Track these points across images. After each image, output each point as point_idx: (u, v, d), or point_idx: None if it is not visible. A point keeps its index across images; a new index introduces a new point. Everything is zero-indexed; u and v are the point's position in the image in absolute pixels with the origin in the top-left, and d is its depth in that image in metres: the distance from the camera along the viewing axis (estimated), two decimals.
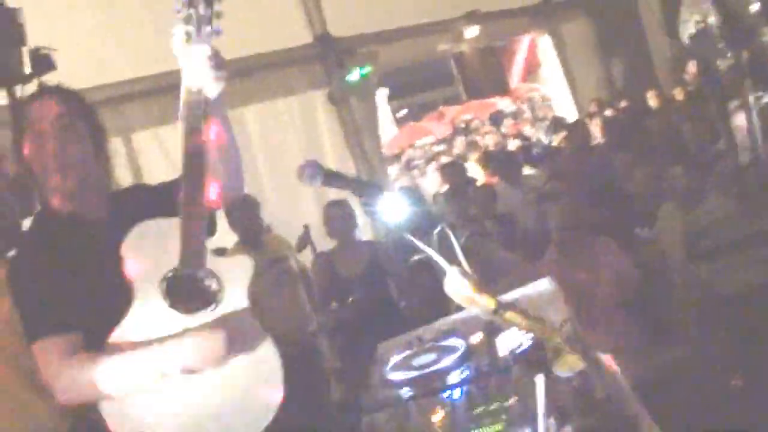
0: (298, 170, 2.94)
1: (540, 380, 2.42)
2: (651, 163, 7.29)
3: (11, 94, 5.99)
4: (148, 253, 2.88)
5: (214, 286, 2.90)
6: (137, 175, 8.19)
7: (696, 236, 6.12)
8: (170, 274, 2.86)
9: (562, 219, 6.11)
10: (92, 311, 2.82)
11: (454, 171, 10.28)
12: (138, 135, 8.61)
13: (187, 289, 2.86)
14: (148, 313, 2.82)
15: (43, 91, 3.07)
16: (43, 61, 5.91)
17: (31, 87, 5.95)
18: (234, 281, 2.95)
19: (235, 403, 2.86)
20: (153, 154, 8.48)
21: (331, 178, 2.95)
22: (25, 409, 3.27)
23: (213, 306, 2.89)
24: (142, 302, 2.83)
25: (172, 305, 2.83)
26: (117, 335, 2.79)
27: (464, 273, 2.70)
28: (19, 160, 2.97)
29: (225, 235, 6.98)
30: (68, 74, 5.86)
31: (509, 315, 2.68)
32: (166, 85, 8.72)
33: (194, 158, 2.82)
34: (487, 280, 6.45)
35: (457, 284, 2.70)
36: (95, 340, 2.80)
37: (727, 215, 6.08)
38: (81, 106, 3.07)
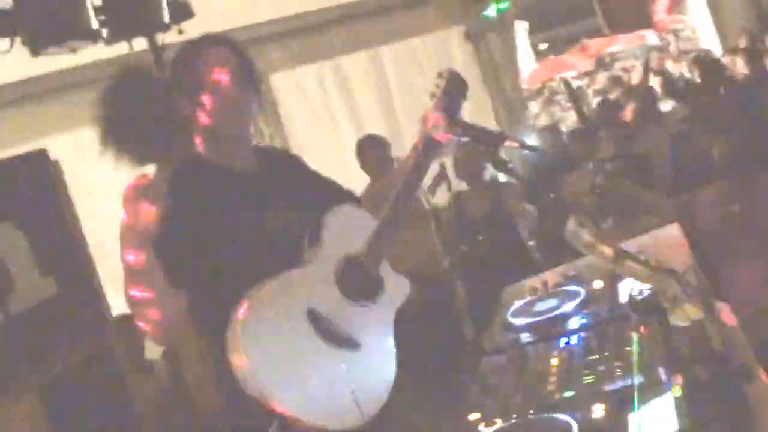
0: (422, 118, 3.03)
1: (635, 335, 2.43)
2: None
3: (152, 42, 6.16)
4: (337, 232, 2.92)
5: (379, 288, 2.91)
6: (275, 114, 8.34)
7: None
8: (351, 258, 2.88)
9: (727, 152, 5.96)
10: (236, 262, 2.82)
11: (607, 107, 10.04)
12: (276, 75, 8.73)
13: (357, 278, 2.88)
14: (308, 283, 2.80)
15: (216, 39, 3.04)
16: (182, 9, 6.05)
17: (171, 35, 6.15)
18: (392, 295, 2.96)
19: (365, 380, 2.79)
20: (290, 94, 8.61)
21: (466, 128, 3.02)
22: None
23: (370, 303, 2.89)
24: (306, 272, 2.83)
25: (338, 282, 2.84)
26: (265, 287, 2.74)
27: (583, 221, 2.73)
28: (183, 106, 2.92)
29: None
30: (205, 20, 6.06)
31: (627, 263, 2.70)
32: (303, 25, 8.88)
33: (415, 176, 3.06)
34: (626, 218, 6.46)
35: (576, 232, 2.74)
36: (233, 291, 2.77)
37: None
38: (247, 55, 3.10)
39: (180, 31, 5.99)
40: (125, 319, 6.33)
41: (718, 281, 5.37)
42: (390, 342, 2.88)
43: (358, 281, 2.87)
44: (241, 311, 2.60)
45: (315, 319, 2.71)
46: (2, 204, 6.12)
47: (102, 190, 7.39)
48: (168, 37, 6.27)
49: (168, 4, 5.99)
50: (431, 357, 3.12)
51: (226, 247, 2.81)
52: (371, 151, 6.88)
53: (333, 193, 3.25)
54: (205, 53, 2.98)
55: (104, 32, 5.94)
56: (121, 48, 6.40)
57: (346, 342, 2.73)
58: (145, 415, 6.00)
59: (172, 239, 2.70)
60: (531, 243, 7.17)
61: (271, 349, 2.60)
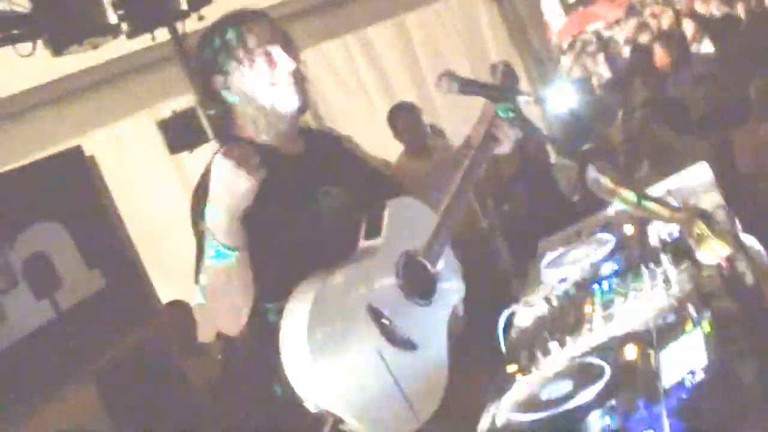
0: (436, 82, 3.05)
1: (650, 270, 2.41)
2: None
3: (174, 31, 6.20)
4: (397, 225, 2.85)
5: (435, 288, 2.87)
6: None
7: None
8: (410, 255, 2.84)
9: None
10: (291, 243, 2.79)
11: (639, 57, 9.96)
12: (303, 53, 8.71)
13: (416, 276, 2.83)
14: (369, 279, 2.73)
15: (256, 15, 2.95)
16: None
17: (192, 22, 6.19)
18: (448, 296, 2.93)
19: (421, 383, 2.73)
20: (318, 70, 8.62)
21: (468, 86, 3.03)
22: None
23: (425, 304, 2.83)
24: (367, 266, 2.75)
25: (398, 280, 2.77)
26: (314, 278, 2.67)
27: (603, 167, 2.74)
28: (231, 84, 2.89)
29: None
30: (224, 4, 6.09)
31: (651, 206, 2.72)
32: (324, 1, 8.88)
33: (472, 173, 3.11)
34: (660, 163, 6.43)
35: (597, 179, 2.75)
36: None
37: None
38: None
39: (200, 17, 6.04)
40: (175, 304, 6.45)
41: (754, 218, 5.35)
42: (444, 343, 2.83)
43: (417, 280, 2.82)
44: (305, 310, 2.53)
45: (377, 318, 2.65)
46: (43, 203, 6.24)
47: (139, 182, 7.49)
48: (189, 25, 6.34)
49: None
50: (479, 319, 3.12)
51: (280, 228, 2.77)
52: (403, 118, 6.90)
53: (379, 180, 3.19)
54: (251, 28, 2.89)
55: (124, 26, 6.00)
56: (144, 40, 6.47)
57: (405, 343, 2.68)
58: (200, 397, 6.10)
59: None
60: (575, 198, 7.14)
61: (336, 353, 2.53)
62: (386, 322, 2.65)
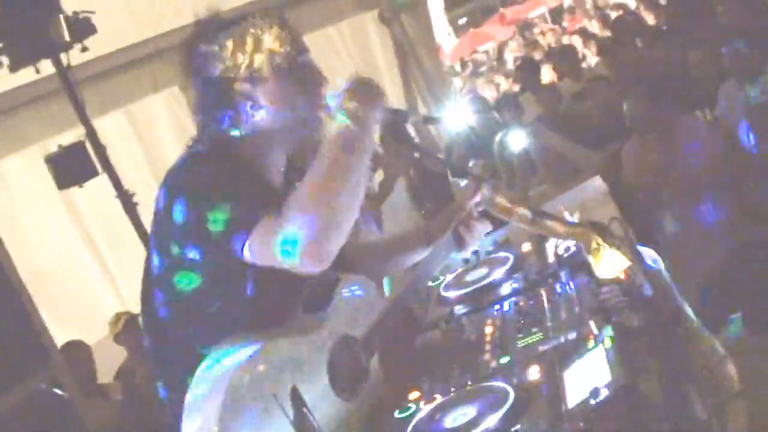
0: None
1: (548, 288, 2.39)
2: (706, 43, 7.09)
3: (58, 63, 6.05)
4: (345, 305, 2.69)
5: (364, 382, 2.63)
6: None
7: (758, 112, 5.99)
8: (348, 340, 2.62)
9: (638, 106, 6.02)
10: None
11: (526, 70, 10.03)
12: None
13: (348, 365, 2.60)
14: (301, 360, 2.49)
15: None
16: (84, 25, 5.94)
17: (74, 53, 6.05)
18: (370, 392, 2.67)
19: None
20: None
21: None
22: None
23: (352, 399, 2.59)
24: (303, 343, 2.53)
25: (329, 366, 2.54)
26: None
27: (497, 186, 2.72)
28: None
29: None
30: (108, 33, 5.97)
31: (546, 223, 2.70)
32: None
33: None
34: (558, 174, 6.48)
35: (491, 198, 2.73)
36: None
37: None
38: None
39: (84, 49, 5.90)
40: (72, 345, 6.25)
41: (647, 229, 5.44)
42: None
43: (348, 370, 2.59)
44: (223, 384, 2.31)
45: (297, 404, 2.36)
46: None
47: (28, 219, 7.28)
48: (74, 57, 6.19)
49: (67, 22, 5.87)
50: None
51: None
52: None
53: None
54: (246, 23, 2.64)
55: (5, 59, 5.83)
56: (29, 74, 6.30)
57: None
58: None
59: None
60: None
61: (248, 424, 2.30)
62: (306, 412, 2.37)
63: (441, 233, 3.00)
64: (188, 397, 2.37)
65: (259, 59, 2.57)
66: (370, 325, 2.69)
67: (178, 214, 2.45)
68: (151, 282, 2.63)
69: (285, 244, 2.28)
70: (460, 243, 2.95)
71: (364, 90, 2.50)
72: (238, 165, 2.57)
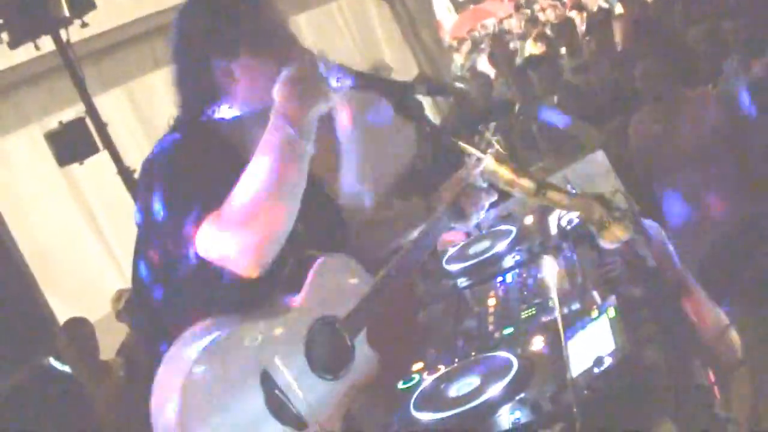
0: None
1: (549, 259, 2.40)
2: (706, 18, 7.08)
3: (58, 39, 6.03)
4: (321, 284, 2.58)
5: (347, 362, 2.54)
6: None
7: (761, 87, 5.98)
8: (327, 321, 2.54)
9: (651, 77, 6.00)
10: None
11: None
12: None
13: (328, 346, 2.52)
14: (274, 340, 2.45)
15: None
16: (83, 1, 5.92)
17: (74, 29, 6.03)
18: (358, 372, 2.56)
19: None
20: None
21: (360, 80, 2.95)
22: None
23: (333, 379, 2.52)
24: (274, 324, 2.48)
25: (307, 347, 2.47)
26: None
27: (501, 158, 2.71)
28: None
29: None
30: (108, 9, 5.95)
31: (550, 195, 2.69)
32: None
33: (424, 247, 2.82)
34: (561, 149, 6.48)
35: (495, 170, 2.72)
36: None
37: None
38: None
39: (84, 24, 5.88)
40: (75, 322, 6.27)
41: (651, 203, 5.43)
42: (338, 427, 2.52)
43: (328, 350, 2.51)
44: (192, 358, 2.30)
45: (268, 387, 2.36)
46: None
47: (31, 198, 7.29)
48: (74, 33, 6.17)
49: None
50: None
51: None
52: None
53: (333, 216, 2.92)
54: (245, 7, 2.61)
55: (5, 36, 5.81)
56: (29, 51, 6.29)
57: (294, 420, 2.38)
58: (104, 414, 5.95)
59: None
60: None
61: (211, 414, 2.29)
62: (279, 394, 2.36)
63: (442, 205, 2.94)
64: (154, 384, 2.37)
65: (234, 33, 2.56)
66: (354, 304, 2.58)
67: (157, 211, 2.49)
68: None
69: (221, 250, 2.36)
70: (461, 214, 2.90)
71: (301, 88, 2.46)
72: (216, 152, 2.54)
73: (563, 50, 9.93)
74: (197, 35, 2.61)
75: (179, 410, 2.27)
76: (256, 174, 2.39)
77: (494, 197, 2.89)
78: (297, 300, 2.53)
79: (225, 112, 2.64)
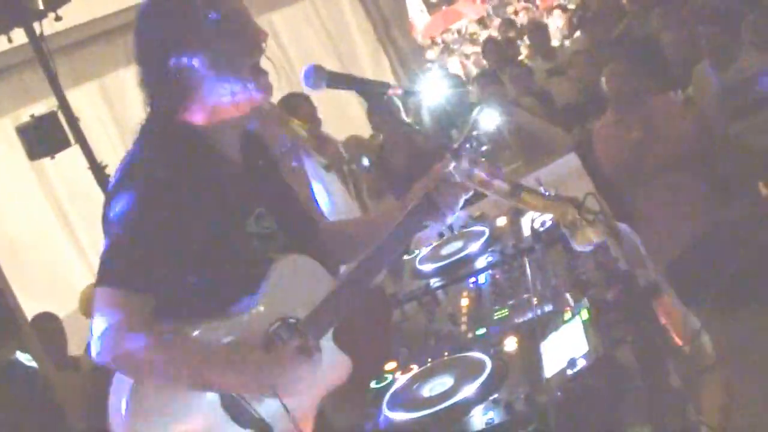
0: (303, 78, 2.95)
1: (527, 260, 2.39)
2: (681, 24, 7.13)
3: (31, 32, 5.98)
4: (281, 285, 2.54)
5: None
6: None
7: (730, 94, 6.04)
8: (287, 321, 2.51)
9: (617, 81, 6.03)
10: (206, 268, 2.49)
11: (495, 49, 10.03)
12: None
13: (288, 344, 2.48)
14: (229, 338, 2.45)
15: None
16: None
17: (48, 22, 5.98)
18: (328, 375, 2.57)
19: None
20: None
21: (336, 79, 2.94)
22: None
23: None
24: (231, 328, 2.47)
25: (266, 350, 2.46)
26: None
27: (476, 159, 2.72)
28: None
29: None
30: (82, 3, 5.91)
31: (524, 196, 2.70)
32: None
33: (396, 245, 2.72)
34: (531, 153, 6.50)
35: (469, 171, 2.72)
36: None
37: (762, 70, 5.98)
38: None
39: (58, 18, 5.84)
40: (43, 317, 6.22)
41: (622, 205, 5.47)
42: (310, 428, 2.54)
43: (289, 350, 2.46)
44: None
45: (235, 413, 2.39)
46: None
47: (0, 192, 7.23)
48: (47, 26, 6.12)
49: None
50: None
51: (199, 249, 2.45)
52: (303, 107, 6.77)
53: (303, 217, 2.87)
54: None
55: None
56: (1, 42, 6.24)
57: (256, 424, 2.41)
58: (71, 410, 5.91)
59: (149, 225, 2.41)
60: None
61: (162, 415, 2.36)
62: (236, 397, 2.39)
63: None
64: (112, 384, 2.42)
65: (195, 27, 2.50)
66: (317, 304, 2.55)
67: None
68: None
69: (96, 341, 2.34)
70: (435, 209, 2.76)
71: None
72: (183, 159, 2.50)
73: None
74: (158, 33, 2.55)
75: (127, 410, 2.33)
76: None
77: (470, 192, 2.84)
78: (256, 301, 2.49)
79: (196, 113, 2.57)
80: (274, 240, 2.63)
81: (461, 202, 2.82)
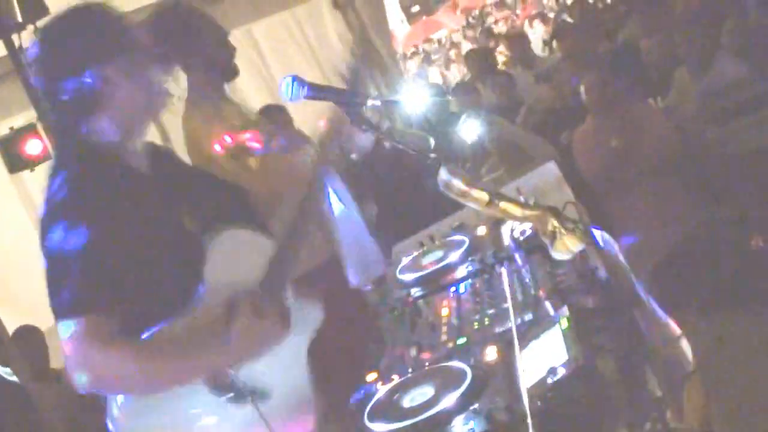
0: (281, 88, 2.96)
1: (504, 270, 2.39)
2: (660, 30, 7.16)
3: (9, 44, 5.96)
4: (222, 264, 2.55)
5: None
6: None
7: (708, 99, 6.07)
8: (246, 292, 2.53)
9: (596, 89, 6.05)
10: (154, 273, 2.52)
11: (478, 58, 10.04)
12: None
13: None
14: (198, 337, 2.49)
15: None
16: (36, 6, 5.85)
17: (27, 35, 5.96)
18: (303, 324, 2.66)
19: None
20: None
21: (315, 90, 2.96)
22: None
23: None
24: (195, 321, 2.49)
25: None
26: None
27: (454, 169, 2.72)
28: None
29: None
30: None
31: (503, 205, 2.71)
32: None
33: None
34: (513, 162, 6.52)
35: (448, 181, 2.73)
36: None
37: (738, 76, 6.01)
38: None
39: (36, 30, 5.82)
40: (24, 330, 6.19)
41: (601, 214, 5.49)
42: (303, 374, 2.65)
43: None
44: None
45: (216, 384, 2.47)
46: None
47: None
48: (26, 38, 6.10)
49: (19, 2, 5.78)
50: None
51: (142, 257, 2.49)
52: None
53: (220, 188, 2.95)
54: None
55: None
56: None
57: (251, 393, 2.48)
58: (53, 423, 5.88)
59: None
60: None
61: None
62: (224, 381, 2.46)
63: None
64: None
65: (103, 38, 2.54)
66: (266, 269, 2.59)
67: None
68: None
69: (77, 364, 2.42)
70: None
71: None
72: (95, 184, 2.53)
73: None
74: (65, 46, 2.55)
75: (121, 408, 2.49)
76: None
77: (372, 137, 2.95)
78: (205, 287, 2.51)
79: (106, 126, 2.60)
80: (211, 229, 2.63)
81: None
